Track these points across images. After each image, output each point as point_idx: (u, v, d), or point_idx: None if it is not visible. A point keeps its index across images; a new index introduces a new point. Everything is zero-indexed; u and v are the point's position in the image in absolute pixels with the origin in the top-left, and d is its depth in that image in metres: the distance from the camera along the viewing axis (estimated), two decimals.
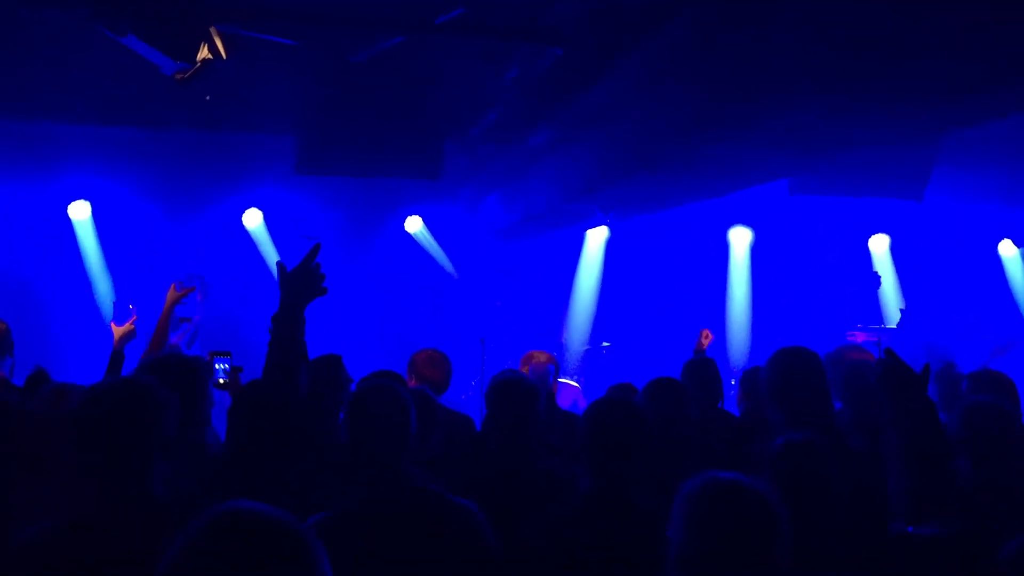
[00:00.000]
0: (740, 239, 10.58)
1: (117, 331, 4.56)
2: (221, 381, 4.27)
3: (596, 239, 10.30)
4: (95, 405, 2.33)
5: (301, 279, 2.79)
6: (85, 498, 2.27)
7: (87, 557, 2.11)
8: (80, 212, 9.07)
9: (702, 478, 2.10)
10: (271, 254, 9.75)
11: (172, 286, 4.85)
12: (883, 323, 9.55)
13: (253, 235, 9.67)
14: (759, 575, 1.97)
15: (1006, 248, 10.80)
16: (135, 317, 4.64)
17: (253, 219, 9.62)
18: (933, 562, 2.51)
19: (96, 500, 2.25)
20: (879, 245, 10.62)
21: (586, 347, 10.08)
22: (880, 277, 8.53)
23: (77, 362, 8.39)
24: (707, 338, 6.01)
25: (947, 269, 10.42)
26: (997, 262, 10.82)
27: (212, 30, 4.34)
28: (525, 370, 5.59)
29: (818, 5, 4.29)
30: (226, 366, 4.32)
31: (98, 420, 2.29)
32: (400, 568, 2.48)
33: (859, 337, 8.48)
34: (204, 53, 4.25)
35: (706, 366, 4.90)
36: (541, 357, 5.71)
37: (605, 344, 9.84)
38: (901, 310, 9.16)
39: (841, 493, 2.56)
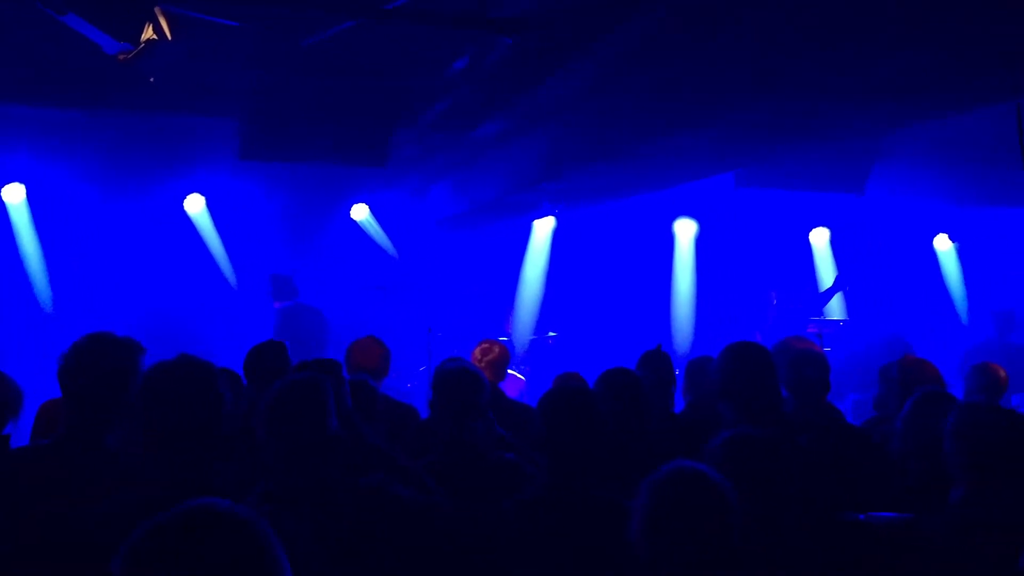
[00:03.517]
0: (685, 231, 10.70)
1: None
2: None
3: (543, 229, 10.32)
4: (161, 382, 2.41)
5: None
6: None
7: None
8: (14, 195, 8.77)
9: (666, 466, 2.14)
10: (213, 240, 9.59)
11: None
12: (824, 315, 9.76)
13: (195, 221, 9.48)
14: (715, 559, 2.01)
15: (941, 242, 11.09)
16: None
17: (195, 205, 9.44)
18: (882, 548, 2.58)
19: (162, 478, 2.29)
20: (819, 238, 10.83)
21: (532, 337, 10.11)
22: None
23: (10, 349, 8.17)
24: None
25: (885, 262, 10.68)
26: (933, 256, 11.11)
27: (156, 10, 4.24)
28: (480, 360, 5.59)
29: (764, 7, 4.35)
30: None
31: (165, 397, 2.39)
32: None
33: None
34: (148, 33, 4.15)
35: (660, 360, 4.86)
36: (495, 348, 5.72)
37: (551, 334, 9.88)
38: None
39: (786, 485, 2.61)
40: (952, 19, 4.07)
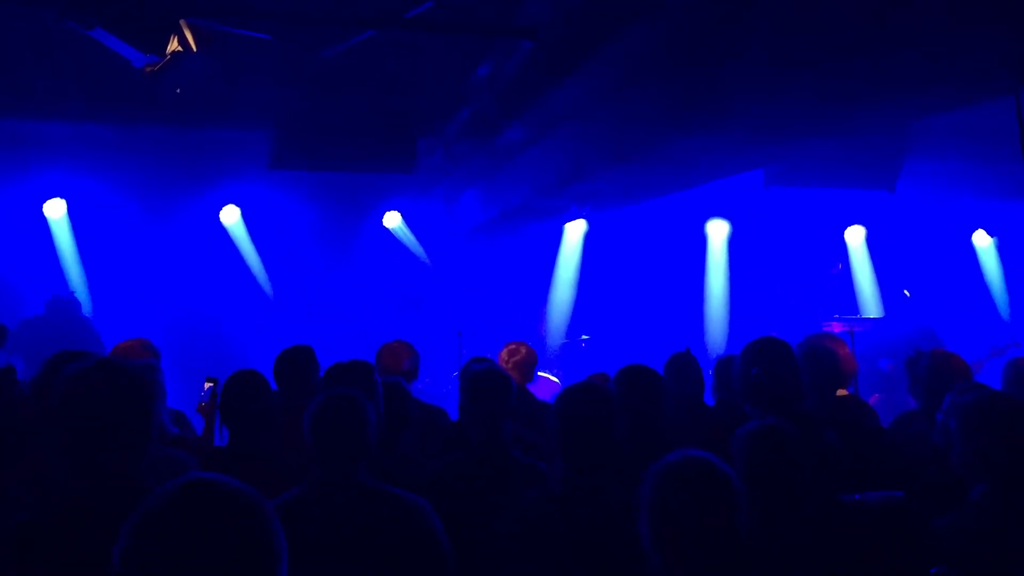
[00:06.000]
0: (717, 231, 10.65)
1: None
2: (201, 404, 4.48)
3: (574, 232, 10.34)
4: (81, 386, 2.23)
5: None
6: (72, 483, 2.22)
7: (76, 541, 2.08)
8: (55, 210, 9.01)
9: (671, 455, 2.16)
10: (249, 250, 9.75)
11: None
12: (859, 313, 9.65)
13: (230, 231, 9.66)
14: (721, 546, 2.02)
15: (980, 238, 10.92)
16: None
17: (230, 215, 9.61)
18: (877, 526, 2.58)
19: (84, 484, 2.19)
20: (855, 236, 10.71)
21: (565, 340, 10.12)
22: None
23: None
24: None
25: (922, 259, 10.53)
26: (971, 252, 10.94)
27: (182, 23, 4.34)
28: (507, 362, 5.62)
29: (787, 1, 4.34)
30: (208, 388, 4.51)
31: (86, 401, 2.20)
32: (336, 557, 2.59)
33: (835, 327, 8.56)
34: (174, 46, 4.25)
35: (687, 363, 4.87)
36: (521, 349, 5.74)
37: (584, 337, 9.89)
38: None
39: (800, 477, 2.61)
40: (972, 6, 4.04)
